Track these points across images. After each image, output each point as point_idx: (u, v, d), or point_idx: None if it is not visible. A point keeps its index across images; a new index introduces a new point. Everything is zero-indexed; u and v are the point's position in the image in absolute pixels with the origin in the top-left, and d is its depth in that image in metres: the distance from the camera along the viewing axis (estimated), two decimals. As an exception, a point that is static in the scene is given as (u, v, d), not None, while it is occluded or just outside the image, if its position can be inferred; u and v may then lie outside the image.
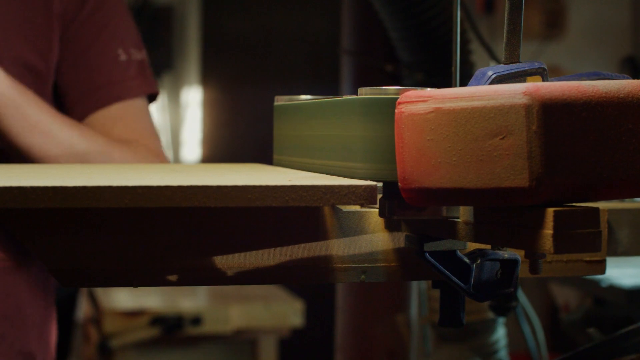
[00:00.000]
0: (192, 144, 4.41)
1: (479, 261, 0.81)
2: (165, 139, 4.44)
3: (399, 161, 0.74)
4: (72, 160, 1.22)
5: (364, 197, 0.73)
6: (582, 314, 1.88)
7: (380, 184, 0.79)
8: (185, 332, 2.90)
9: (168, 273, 0.83)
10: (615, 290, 1.82)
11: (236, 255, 0.84)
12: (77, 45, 1.33)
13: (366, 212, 0.86)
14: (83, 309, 3.47)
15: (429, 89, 0.75)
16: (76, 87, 1.34)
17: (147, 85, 1.37)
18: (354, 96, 0.81)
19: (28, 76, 1.28)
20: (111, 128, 1.32)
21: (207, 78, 4.19)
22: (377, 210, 0.83)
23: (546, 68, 0.79)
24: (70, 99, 1.34)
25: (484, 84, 0.75)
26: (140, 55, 1.37)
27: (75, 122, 1.28)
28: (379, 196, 0.80)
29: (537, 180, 0.65)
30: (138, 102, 1.36)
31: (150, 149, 1.34)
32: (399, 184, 0.74)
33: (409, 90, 0.76)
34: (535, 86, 0.66)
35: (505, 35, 0.79)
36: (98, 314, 2.97)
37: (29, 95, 1.21)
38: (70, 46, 1.33)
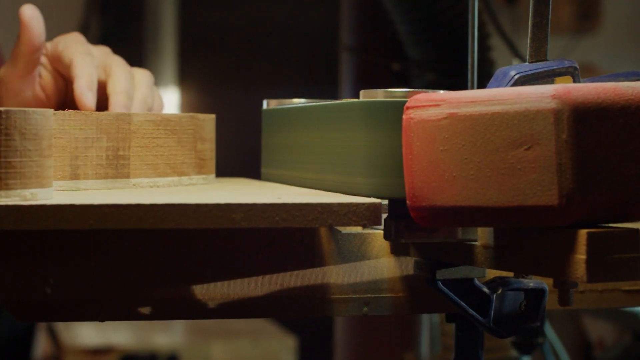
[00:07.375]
0: (167, 155, 4.40)
1: (500, 291, 0.81)
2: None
3: (407, 175, 0.74)
4: None
5: (367, 216, 0.72)
6: (620, 351, 1.88)
7: (385, 202, 0.79)
8: (160, 372, 2.90)
9: (140, 305, 0.83)
10: (658, 325, 1.82)
11: (218, 284, 0.84)
12: None
13: (369, 234, 0.86)
14: (41, 345, 3.47)
15: (442, 91, 0.75)
16: None
17: None
18: (355, 99, 0.81)
19: None
20: None
21: (185, 79, 4.19)
22: (382, 232, 0.82)
23: (578, 67, 0.79)
24: None
25: (506, 86, 0.76)
26: None
27: None
28: (384, 216, 0.80)
29: (567, 197, 0.65)
30: None
31: None
32: (408, 201, 0.74)
33: (419, 92, 0.76)
34: (565, 88, 0.66)
35: (530, 29, 0.79)
36: (59, 352, 2.96)
37: None
38: None
